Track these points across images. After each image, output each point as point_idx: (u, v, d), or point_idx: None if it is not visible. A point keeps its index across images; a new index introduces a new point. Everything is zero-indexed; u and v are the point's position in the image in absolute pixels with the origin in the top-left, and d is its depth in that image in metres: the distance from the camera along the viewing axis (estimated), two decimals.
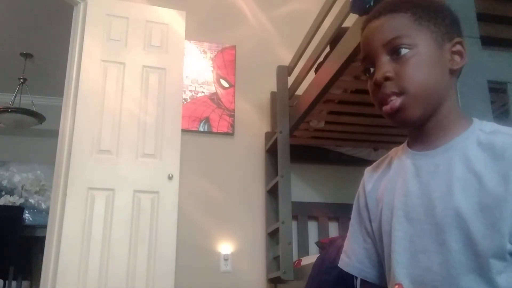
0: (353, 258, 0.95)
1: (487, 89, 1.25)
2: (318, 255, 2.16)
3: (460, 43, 0.84)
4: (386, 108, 0.82)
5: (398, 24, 0.83)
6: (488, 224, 0.74)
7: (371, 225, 0.93)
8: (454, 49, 0.84)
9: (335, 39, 2.19)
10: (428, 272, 0.79)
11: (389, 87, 0.81)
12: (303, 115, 2.62)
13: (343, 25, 2.11)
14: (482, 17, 1.34)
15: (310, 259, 2.40)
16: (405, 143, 0.92)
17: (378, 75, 0.82)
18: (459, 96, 1.19)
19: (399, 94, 0.80)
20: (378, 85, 0.82)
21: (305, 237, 3.00)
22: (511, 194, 0.73)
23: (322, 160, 3.20)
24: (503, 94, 1.30)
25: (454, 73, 0.85)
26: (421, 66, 0.81)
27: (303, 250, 2.95)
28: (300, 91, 2.75)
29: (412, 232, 0.82)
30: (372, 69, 0.85)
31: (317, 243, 2.77)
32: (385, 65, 0.82)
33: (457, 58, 0.84)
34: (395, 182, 0.88)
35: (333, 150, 3.19)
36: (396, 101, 0.80)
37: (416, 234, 0.81)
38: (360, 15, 1.79)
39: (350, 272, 0.97)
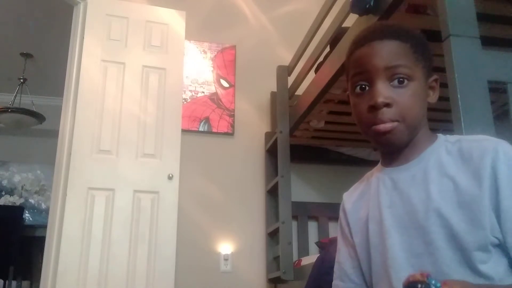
0: (345, 279, 1.00)
1: (487, 89, 1.25)
2: (318, 255, 2.16)
3: (436, 80, 0.94)
4: (378, 128, 0.87)
5: (401, 53, 0.88)
6: (468, 220, 0.80)
7: (353, 241, 0.98)
8: (431, 84, 0.93)
9: (335, 39, 2.19)
10: None
11: (388, 113, 0.86)
12: (303, 115, 2.62)
13: (343, 25, 2.11)
14: (482, 17, 1.34)
15: (310, 259, 2.40)
16: (379, 164, 1.00)
17: (379, 99, 0.85)
18: (459, 96, 1.20)
19: (395, 121, 0.86)
20: (375, 108, 0.86)
21: (305, 237, 3.00)
22: (485, 190, 0.80)
23: (322, 160, 3.20)
24: (503, 94, 1.30)
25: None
26: (417, 98, 0.88)
27: (303, 250, 2.95)
28: (300, 91, 2.75)
29: (402, 240, 0.87)
30: (366, 87, 0.89)
31: (317, 243, 2.77)
32: (385, 91, 0.86)
33: (431, 93, 0.93)
34: (377, 198, 0.94)
35: (333, 150, 3.19)
36: (389, 124, 0.86)
37: (406, 241, 0.86)
38: (360, 15, 1.79)
39: None
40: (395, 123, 0.86)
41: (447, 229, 0.81)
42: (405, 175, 0.90)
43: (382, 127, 0.86)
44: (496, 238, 0.79)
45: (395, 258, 0.86)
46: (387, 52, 0.88)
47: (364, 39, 0.92)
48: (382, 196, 0.93)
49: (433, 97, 0.93)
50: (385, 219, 0.90)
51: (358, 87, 0.90)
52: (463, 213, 0.80)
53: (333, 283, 1.03)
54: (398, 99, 0.86)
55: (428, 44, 0.94)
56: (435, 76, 0.93)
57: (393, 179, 0.92)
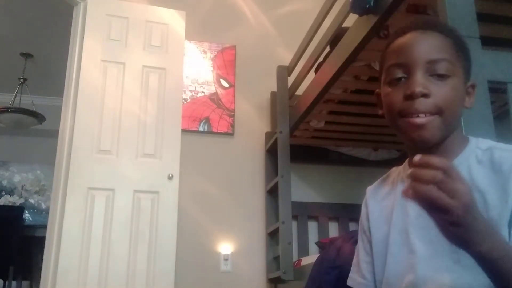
0: (356, 273, 0.99)
1: (487, 89, 1.25)
2: (318, 255, 2.16)
3: (474, 86, 0.89)
4: (412, 120, 0.81)
5: (445, 47, 0.84)
6: None
7: (370, 236, 0.96)
8: (468, 90, 0.88)
9: (335, 39, 2.19)
10: None
11: (425, 104, 0.81)
12: (303, 115, 2.62)
13: (343, 25, 2.11)
14: (482, 17, 1.34)
15: (310, 259, 2.40)
16: (406, 162, 0.94)
17: (417, 88, 0.81)
18: None
19: (432, 114, 0.81)
20: (411, 97, 0.81)
21: (305, 237, 3.00)
22: (507, 206, 0.74)
23: (322, 160, 3.20)
24: (503, 94, 1.30)
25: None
26: (456, 93, 0.83)
27: (303, 250, 2.95)
28: (300, 91, 2.75)
29: (428, 254, 0.83)
30: (403, 78, 0.84)
31: (317, 243, 2.77)
32: (424, 81, 0.81)
33: (467, 98, 0.88)
34: (404, 206, 0.89)
35: (333, 150, 3.19)
36: (424, 118, 0.81)
37: (432, 256, 0.82)
38: (360, 15, 1.79)
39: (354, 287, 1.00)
40: (431, 117, 0.81)
41: None
42: None
43: (418, 120, 0.81)
44: None
45: (423, 275, 0.82)
46: (430, 44, 0.84)
47: (406, 28, 0.88)
48: (410, 205, 0.86)
49: (469, 103, 0.88)
50: (411, 232, 0.86)
51: (394, 77, 0.85)
52: None
53: (349, 274, 1.02)
54: (436, 91, 0.81)
55: (468, 47, 0.90)
56: (473, 81, 0.89)
57: None
